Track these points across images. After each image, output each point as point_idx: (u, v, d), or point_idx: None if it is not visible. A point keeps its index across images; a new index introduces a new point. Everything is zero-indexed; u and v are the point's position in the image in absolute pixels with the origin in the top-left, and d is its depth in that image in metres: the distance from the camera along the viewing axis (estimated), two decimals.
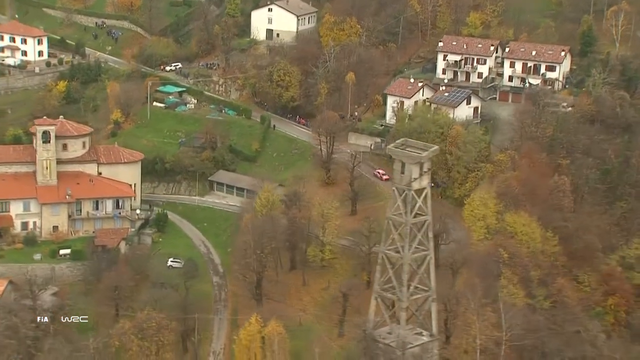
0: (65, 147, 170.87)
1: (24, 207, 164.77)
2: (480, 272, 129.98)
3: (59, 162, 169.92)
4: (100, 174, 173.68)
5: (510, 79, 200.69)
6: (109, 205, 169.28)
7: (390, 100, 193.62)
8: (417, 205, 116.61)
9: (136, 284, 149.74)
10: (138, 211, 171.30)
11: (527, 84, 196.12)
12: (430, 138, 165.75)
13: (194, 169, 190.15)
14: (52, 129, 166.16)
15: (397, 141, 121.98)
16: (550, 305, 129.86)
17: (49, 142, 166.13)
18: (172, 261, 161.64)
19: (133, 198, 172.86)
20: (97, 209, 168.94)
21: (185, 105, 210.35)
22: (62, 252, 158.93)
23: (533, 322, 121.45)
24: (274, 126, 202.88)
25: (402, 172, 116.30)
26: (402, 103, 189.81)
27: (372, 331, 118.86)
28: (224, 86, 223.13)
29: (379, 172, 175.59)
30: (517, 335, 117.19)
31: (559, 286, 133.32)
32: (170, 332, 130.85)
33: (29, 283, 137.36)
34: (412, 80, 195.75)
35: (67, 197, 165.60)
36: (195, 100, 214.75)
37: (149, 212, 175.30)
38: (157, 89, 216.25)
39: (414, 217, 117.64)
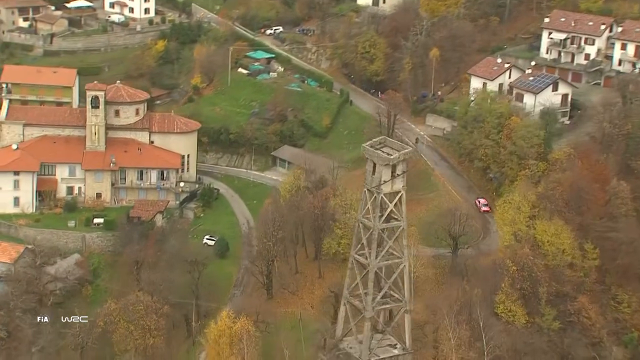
0: (117, 113, 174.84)
1: (70, 172, 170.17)
2: (481, 283, 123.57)
3: (111, 128, 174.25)
4: (152, 142, 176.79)
5: (620, 63, 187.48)
6: (153, 176, 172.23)
7: (474, 82, 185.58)
8: (389, 210, 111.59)
9: (157, 259, 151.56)
10: (182, 184, 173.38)
11: (638, 70, 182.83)
12: (487, 129, 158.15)
13: (258, 142, 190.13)
14: (101, 94, 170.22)
15: (375, 139, 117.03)
16: (560, 327, 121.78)
17: (98, 107, 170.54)
18: (207, 239, 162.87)
19: (181, 170, 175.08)
20: (141, 179, 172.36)
21: (269, 74, 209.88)
22: (95, 220, 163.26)
23: (524, 344, 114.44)
24: (351, 102, 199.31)
25: (373, 174, 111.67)
26: (484, 85, 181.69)
27: (339, 339, 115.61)
28: (315, 55, 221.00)
29: (479, 202, 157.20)
30: (497, 356, 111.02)
31: (580, 305, 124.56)
32: (160, 316, 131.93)
33: (32, 253, 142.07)
34: (499, 60, 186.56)
35: (111, 164, 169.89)
36: (282, 69, 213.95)
37: (197, 186, 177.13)
38: (247, 54, 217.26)
39: (387, 222, 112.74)
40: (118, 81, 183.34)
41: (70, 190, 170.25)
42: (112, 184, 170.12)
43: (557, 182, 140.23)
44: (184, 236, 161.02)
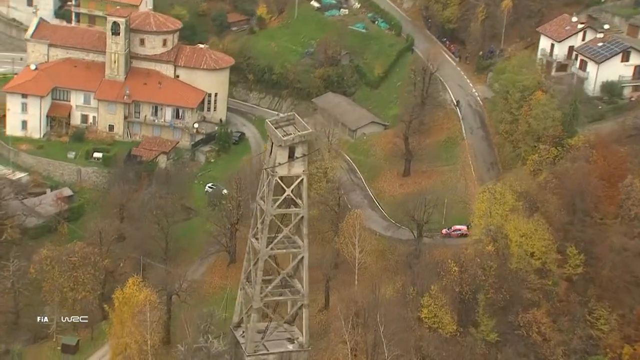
0: (142, 42, 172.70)
1: (84, 100, 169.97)
2: (419, 281, 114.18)
3: (135, 57, 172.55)
4: (177, 77, 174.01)
5: None
6: (168, 113, 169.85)
7: (543, 42, 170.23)
8: (284, 195, 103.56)
9: (143, 204, 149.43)
10: (196, 124, 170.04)
11: None
12: (509, 103, 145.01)
13: (301, 86, 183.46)
14: (121, 21, 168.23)
15: (283, 115, 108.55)
16: (499, 340, 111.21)
17: (119, 34, 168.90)
18: (209, 187, 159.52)
19: (205, 109, 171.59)
20: (155, 114, 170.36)
21: (339, 10, 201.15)
22: (95, 154, 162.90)
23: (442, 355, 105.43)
24: (413, 49, 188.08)
25: (271, 154, 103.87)
26: (552, 47, 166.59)
27: (235, 326, 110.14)
28: None
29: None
30: None
31: (531, 318, 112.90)
32: (97, 270, 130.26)
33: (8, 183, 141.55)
34: (574, 18, 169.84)
35: (124, 97, 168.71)
36: (358, 5, 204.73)
37: (217, 128, 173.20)
38: None
39: (287, 207, 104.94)
40: (150, 7, 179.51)
41: (84, 118, 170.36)
42: (125, 117, 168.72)
43: (560, 173, 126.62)
44: (184, 181, 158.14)
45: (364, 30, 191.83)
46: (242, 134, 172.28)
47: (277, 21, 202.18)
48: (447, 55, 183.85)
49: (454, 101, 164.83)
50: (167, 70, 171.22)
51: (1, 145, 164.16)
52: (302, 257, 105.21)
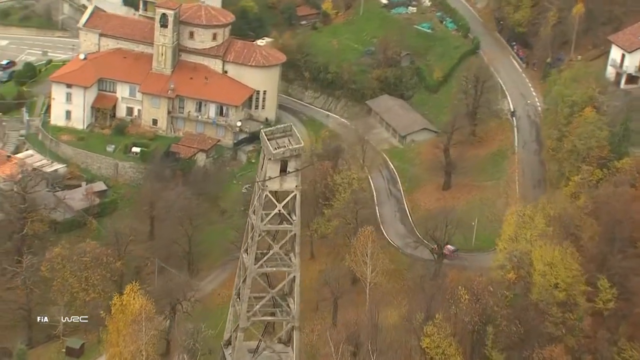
0: (191, 35, 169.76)
1: (130, 92, 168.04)
2: (424, 307, 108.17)
3: (184, 50, 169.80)
4: (225, 72, 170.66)
5: None
6: (212, 110, 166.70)
7: (614, 52, 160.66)
8: (275, 210, 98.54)
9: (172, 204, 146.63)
10: (239, 122, 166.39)
11: None
12: (558, 118, 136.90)
13: (355, 87, 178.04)
14: (170, 13, 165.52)
15: (279, 126, 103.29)
16: None
17: (167, 26, 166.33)
18: (246, 188, 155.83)
19: (252, 107, 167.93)
20: (199, 110, 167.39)
21: (407, 8, 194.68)
22: (133, 149, 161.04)
23: None
24: (477, 53, 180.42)
25: (263, 167, 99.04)
26: (622, 57, 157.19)
27: (225, 344, 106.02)
28: None
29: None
30: None
31: (547, 354, 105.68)
32: (109, 271, 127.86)
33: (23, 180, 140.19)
34: None
35: (168, 91, 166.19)
36: (429, 3, 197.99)
37: (262, 126, 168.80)
38: None
39: (279, 223, 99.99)
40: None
41: (129, 111, 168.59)
42: (169, 112, 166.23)
43: (601, 197, 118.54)
44: (222, 181, 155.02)
45: (429, 31, 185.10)
46: None
47: (343, 17, 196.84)
48: (514, 61, 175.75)
49: (510, 110, 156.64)
50: (216, 65, 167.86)
51: (45, 135, 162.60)
52: (295, 277, 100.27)
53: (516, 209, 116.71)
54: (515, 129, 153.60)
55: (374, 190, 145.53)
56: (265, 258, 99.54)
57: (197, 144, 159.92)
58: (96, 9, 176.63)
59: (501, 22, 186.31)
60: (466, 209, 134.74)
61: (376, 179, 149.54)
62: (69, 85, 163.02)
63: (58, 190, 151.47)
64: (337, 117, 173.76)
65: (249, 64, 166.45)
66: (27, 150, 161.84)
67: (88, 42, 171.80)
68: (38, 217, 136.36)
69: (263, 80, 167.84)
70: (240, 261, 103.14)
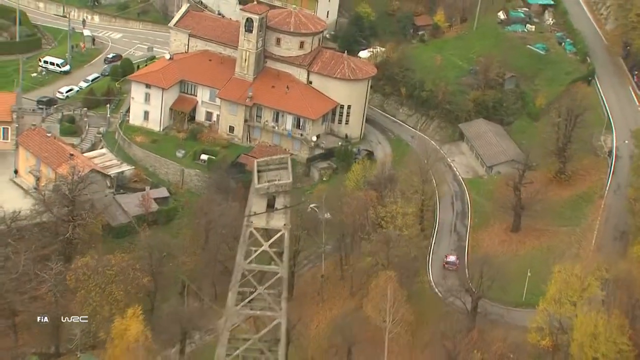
0: (278, 42, 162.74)
1: (210, 96, 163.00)
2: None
3: (270, 57, 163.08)
4: (310, 83, 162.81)
5: None
6: (288, 121, 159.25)
7: None
8: (261, 249, 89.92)
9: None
10: (314, 137, 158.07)
11: None
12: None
13: (450, 108, 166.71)
14: (255, 17, 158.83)
15: (275, 157, 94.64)
16: None
17: (252, 31, 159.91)
18: (311, 207, 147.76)
19: (323, 121, 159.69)
20: (276, 121, 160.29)
21: (525, 25, 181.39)
22: (202, 156, 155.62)
23: None
24: (590, 80, 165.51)
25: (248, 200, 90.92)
26: None
27: None
28: (609, 9, 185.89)
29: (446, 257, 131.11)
30: None
31: None
32: (135, 286, 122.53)
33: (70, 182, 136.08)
34: None
35: (247, 99, 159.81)
36: (552, 21, 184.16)
37: (340, 143, 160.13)
38: None
39: (269, 263, 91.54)
40: (294, 5, 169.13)
41: (209, 116, 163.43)
42: (246, 120, 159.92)
43: None
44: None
45: (542, 52, 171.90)
46: (370, 152, 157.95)
47: (456, 31, 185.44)
48: (632, 92, 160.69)
49: (608, 149, 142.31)
50: (300, 74, 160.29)
51: (120, 135, 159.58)
52: (280, 325, 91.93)
53: (565, 265, 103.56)
54: (611, 170, 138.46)
55: (437, 224, 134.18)
56: (247, 300, 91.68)
57: (267, 156, 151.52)
58: (190, 8, 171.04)
59: (628, 47, 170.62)
60: (529, 256, 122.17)
61: (445, 210, 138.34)
62: (147, 86, 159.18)
63: (122, 193, 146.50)
64: (428, 138, 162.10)
65: (334, 76, 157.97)
66: (101, 148, 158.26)
67: (178, 42, 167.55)
68: (82, 222, 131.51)
69: (348, 94, 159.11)
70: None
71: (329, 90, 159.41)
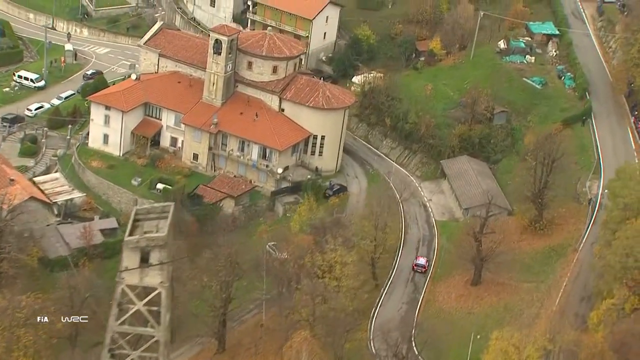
0: (250, 65, 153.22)
1: (175, 121, 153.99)
2: None
3: (241, 81, 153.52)
4: (282, 110, 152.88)
5: None
6: (254, 152, 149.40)
7: None
8: (133, 310, 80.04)
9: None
10: (280, 170, 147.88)
11: None
12: (610, 221, 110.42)
13: (433, 143, 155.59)
14: (224, 39, 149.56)
15: (159, 205, 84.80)
16: None
17: (220, 54, 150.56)
18: (269, 246, 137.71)
19: (293, 152, 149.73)
20: (242, 150, 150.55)
21: (524, 57, 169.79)
22: (158, 186, 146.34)
23: None
24: (584, 120, 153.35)
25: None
26: None
27: None
28: (618, 42, 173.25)
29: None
30: None
31: None
32: (45, 333, 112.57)
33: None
34: None
35: (211, 126, 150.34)
36: (555, 53, 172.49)
37: (309, 177, 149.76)
38: (529, 23, 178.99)
39: (145, 324, 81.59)
40: (269, 28, 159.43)
41: (174, 141, 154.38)
42: (210, 148, 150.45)
43: (627, 333, 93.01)
44: (246, 234, 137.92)
45: (538, 86, 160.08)
46: (343, 187, 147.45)
47: (452, 59, 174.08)
48: (630, 133, 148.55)
49: (593, 195, 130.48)
50: (272, 101, 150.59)
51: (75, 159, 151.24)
52: None
53: (503, 332, 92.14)
54: (591, 220, 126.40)
55: (394, 272, 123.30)
56: None
57: (227, 188, 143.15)
58: (164, 26, 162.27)
59: (632, 84, 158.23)
60: (483, 314, 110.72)
61: (407, 257, 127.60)
62: (107, 107, 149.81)
63: (68, 222, 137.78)
64: (408, 174, 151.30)
65: (307, 104, 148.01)
66: (55, 172, 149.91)
67: (147, 61, 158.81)
68: (6, 255, 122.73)
69: (321, 124, 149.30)
70: None
71: (301, 119, 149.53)
